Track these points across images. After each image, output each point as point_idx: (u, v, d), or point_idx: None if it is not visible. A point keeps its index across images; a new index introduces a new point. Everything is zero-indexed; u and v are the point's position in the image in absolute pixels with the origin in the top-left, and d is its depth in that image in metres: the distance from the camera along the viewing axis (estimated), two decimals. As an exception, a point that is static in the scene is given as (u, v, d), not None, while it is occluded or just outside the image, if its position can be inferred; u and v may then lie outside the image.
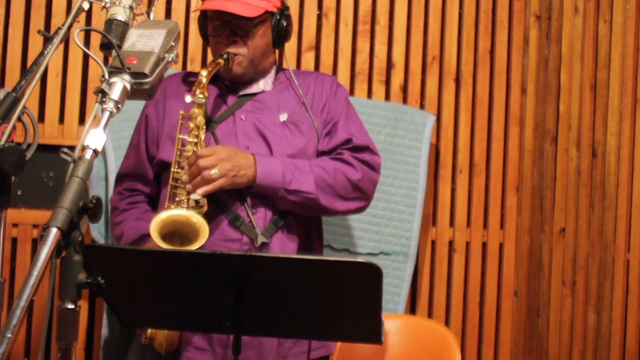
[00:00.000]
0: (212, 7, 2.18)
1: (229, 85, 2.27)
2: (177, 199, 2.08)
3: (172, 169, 2.11)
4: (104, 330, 2.62)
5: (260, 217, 2.13)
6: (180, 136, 2.12)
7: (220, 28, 2.19)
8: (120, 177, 2.33)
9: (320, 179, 2.15)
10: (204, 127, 2.11)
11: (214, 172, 2.03)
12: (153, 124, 2.26)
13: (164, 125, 2.22)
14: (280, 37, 2.25)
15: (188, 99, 2.16)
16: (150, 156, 2.25)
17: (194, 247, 1.98)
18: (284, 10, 2.26)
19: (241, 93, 2.26)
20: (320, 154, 2.25)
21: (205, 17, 2.25)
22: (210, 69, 2.11)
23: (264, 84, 2.28)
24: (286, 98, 2.27)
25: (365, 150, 2.26)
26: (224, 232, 2.11)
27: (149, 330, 2.07)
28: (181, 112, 2.13)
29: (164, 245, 1.97)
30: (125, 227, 2.22)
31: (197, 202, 2.06)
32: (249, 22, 2.17)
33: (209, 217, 2.06)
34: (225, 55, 2.16)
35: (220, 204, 2.11)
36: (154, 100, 2.26)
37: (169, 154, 2.15)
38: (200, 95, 2.08)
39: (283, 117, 2.23)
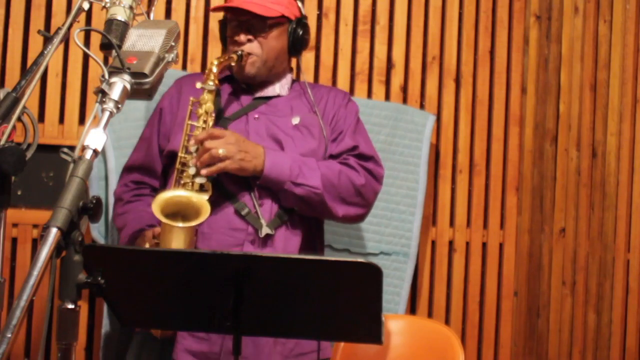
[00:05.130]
0: (230, 4, 2.22)
1: (244, 87, 2.29)
2: (182, 182, 2.10)
3: (179, 154, 2.13)
4: (104, 330, 2.62)
5: (266, 210, 2.15)
6: (189, 122, 2.14)
7: (237, 28, 2.22)
8: (128, 169, 2.34)
9: (326, 178, 2.18)
10: (213, 113, 2.13)
11: (221, 151, 2.05)
12: (166, 119, 2.28)
13: (177, 118, 2.24)
14: (295, 45, 2.27)
15: (198, 85, 2.17)
16: (160, 150, 2.27)
17: (195, 223, 2.00)
18: (301, 19, 2.28)
19: (257, 95, 2.29)
20: (328, 158, 2.27)
21: (225, 23, 2.29)
22: (221, 59, 2.15)
23: (279, 88, 2.30)
24: (299, 104, 2.30)
25: (370, 160, 2.29)
26: (230, 221, 2.13)
27: None
28: (191, 98, 2.15)
29: (166, 221, 1.99)
30: (128, 219, 2.24)
31: (201, 185, 2.08)
32: (264, 22, 2.20)
33: (217, 205, 2.08)
34: (240, 53, 2.19)
35: (227, 193, 2.13)
36: (170, 95, 2.32)
37: (177, 143, 2.17)
38: (210, 82, 2.11)
39: (295, 120, 2.25)
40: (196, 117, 2.12)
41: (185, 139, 2.13)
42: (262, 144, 2.18)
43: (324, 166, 2.20)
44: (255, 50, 2.21)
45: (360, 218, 2.34)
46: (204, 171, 2.06)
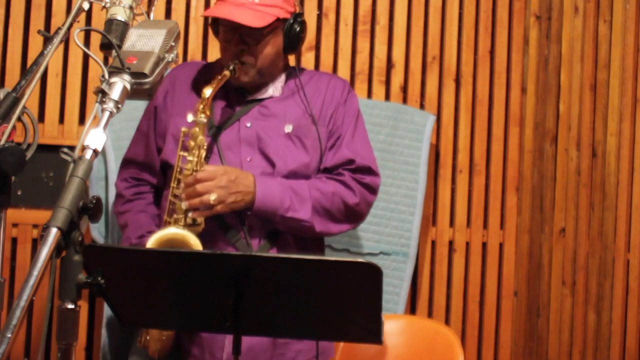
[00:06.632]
0: (221, 15, 2.14)
1: (237, 88, 2.24)
2: (175, 215, 2.09)
3: (172, 184, 2.12)
4: (107, 315, 2.62)
5: (256, 235, 2.14)
6: (181, 153, 2.12)
7: (229, 34, 2.16)
8: (127, 162, 2.32)
9: (318, 203, 2.16)
10: (205, 146, 2.10)
11: (213, 198, 2.04)
12: (161, 117, 2.25)
13: (170, 122, 2.21)
14: (292, 43, 2.19)
15: (190, 118, 2.14)
16: (157, 147, 2.26)
17: None
18: (297, 16, 2.19)
19: (249, 98, 2.23)
20: (323, 169, 2.24)
21: (217, 20, 2.22)
22: (214, 85, 2.08)
23: (273, 90, 2.24)
24: (293, 106, 2.24)
25: (367, 172, 2.25)
26: (220, 248, 2.12)
27: (143, 337, 2.11)
28: (183, 129, 2.12)
29: None
30: (129, 219, 2.24)
31: (194, 220, 2.08)
32: (258, 31, 2.13)
33: (206, 231, 2.08)
34: (232, 67, 2.12)
35: (218, 219, 2.11)
36: (164, 91, 2.26)
37: (172, 155, 2.16)
38: (202, 116, 2.07)
39: (288, 128, 2.20)
40: (188, 148, 2.10)
41: (177, 170, 2.11)
42: (253, 156, 2.16)
43: (315, 190, 2.16)
44: (249, 59, 2.15)
45: (354, 228, 2.35)
46: (195, 214, 2.06)
